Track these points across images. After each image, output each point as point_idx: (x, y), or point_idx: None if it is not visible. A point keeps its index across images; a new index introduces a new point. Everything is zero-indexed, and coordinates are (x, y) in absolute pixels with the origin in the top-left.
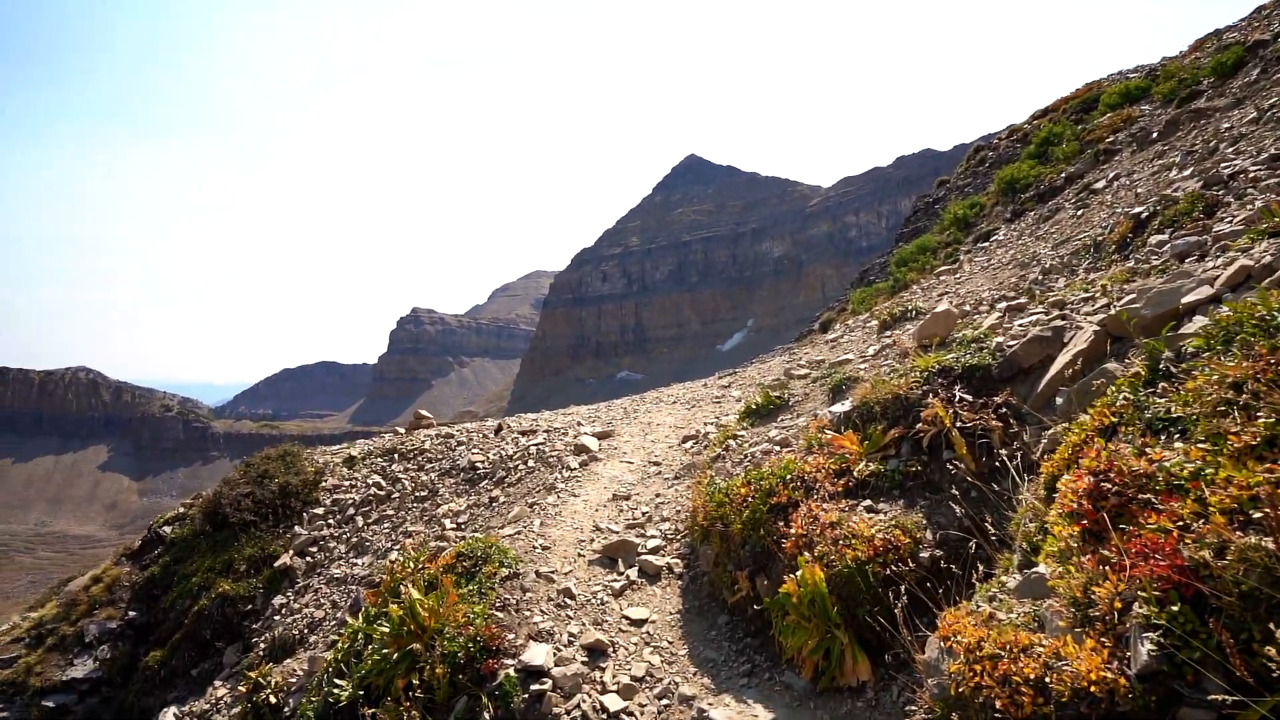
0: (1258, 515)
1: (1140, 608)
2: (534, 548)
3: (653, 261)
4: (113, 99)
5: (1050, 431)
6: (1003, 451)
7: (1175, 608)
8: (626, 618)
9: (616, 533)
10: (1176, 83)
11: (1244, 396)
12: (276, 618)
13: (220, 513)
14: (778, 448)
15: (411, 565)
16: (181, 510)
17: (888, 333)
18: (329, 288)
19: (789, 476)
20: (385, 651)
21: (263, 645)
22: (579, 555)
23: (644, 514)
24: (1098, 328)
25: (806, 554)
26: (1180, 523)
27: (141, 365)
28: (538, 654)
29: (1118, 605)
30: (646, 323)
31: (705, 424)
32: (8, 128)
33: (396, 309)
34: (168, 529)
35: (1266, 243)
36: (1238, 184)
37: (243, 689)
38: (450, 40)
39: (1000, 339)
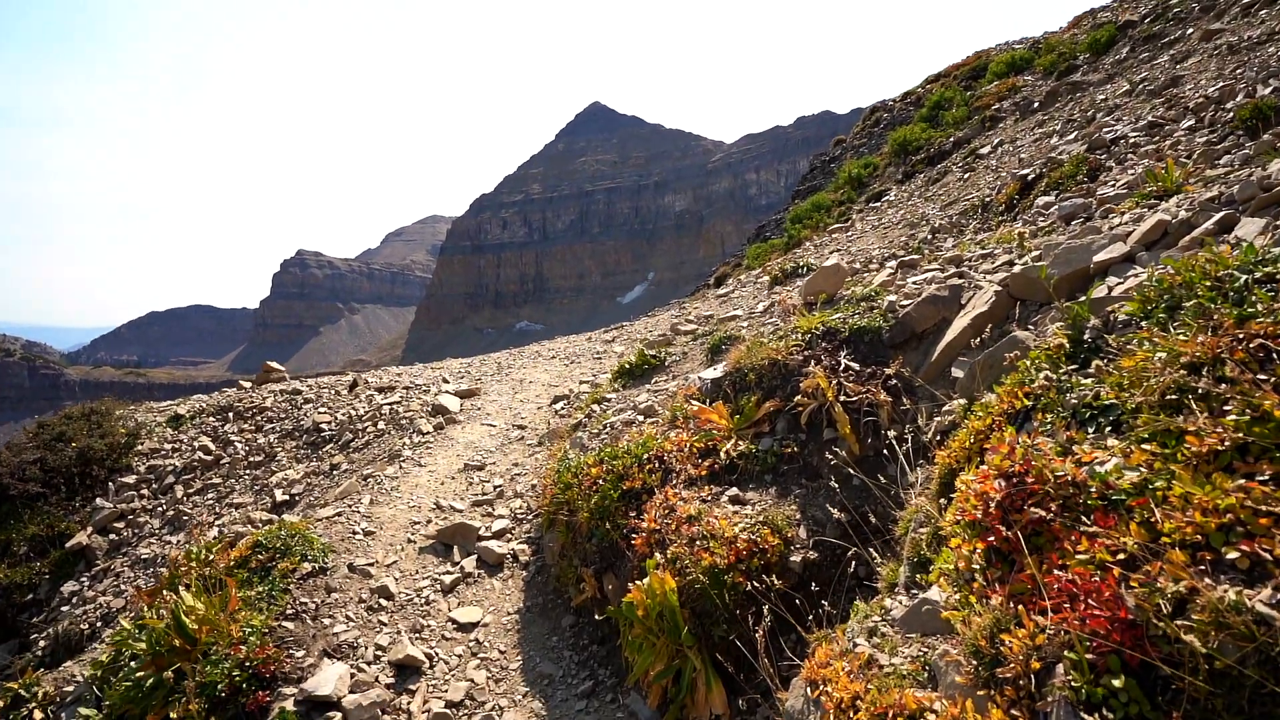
0: (1233, 555)
1: (1067, 673)
2: (354, 533)
3: (554, 210)
4: None
5: (946, 409)
6: (891, 432)
7: (1117, 681)
8: (454, 621)
9: (460, 511)
10: (1056, 56)
11: (1203, 382)
12: (65, 608)
13: (3, 482)
14: (641, 417)
15: (198, 559)
16: None
17: (777, 289)
18: (206, 226)
19: (646, 456)
20: (140, 675)
21: (43, 643)
22: (409, 541)
23: (496, 488)
24: (999, 288)
25: (658, 554)
26: (1121, 555)
27: None
28: (327, 679)
29: (1035, 665)
30: (547, 273)
31: (580, 383)
32: None
33: (281, 251)
34: None
35: (1176, 199)
36: (1119, 149)
37: (1, 702)
38: None
39: (893, 298)
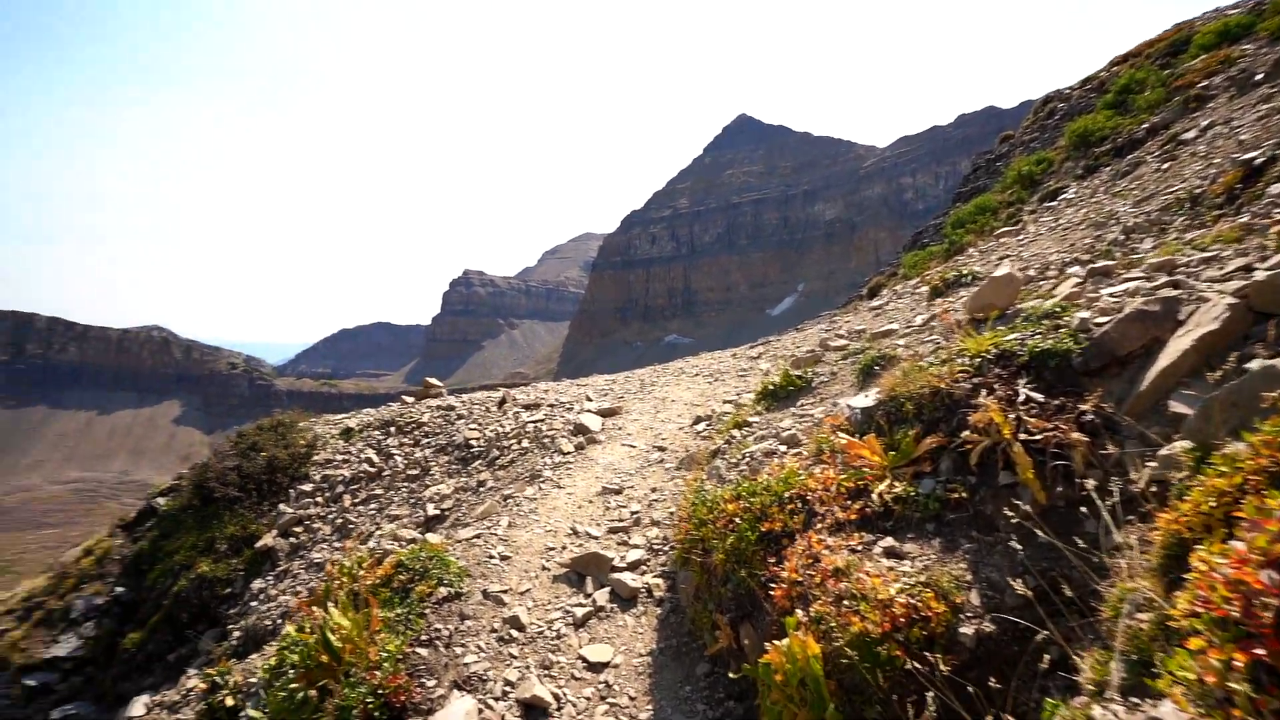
0: None
1: None
2: (490, 557)
3: (702, 224)
4: (164, 57)
5: (1165, 454)
6: (1089, 481)
7: None
8: (584, 659)
9: (595, 538)
10: None
11: None
12: (254, 603)
13: (207, 486)
14: (784, 447)
15: (347, 574)
16: (175, 481)
17: (938, 300)
18: (385, 250)
19: (788, 494)
20: (294, 686)
21: (237, 634)
22: (543, 568)
23: (633, 515)
24: (1234, 299)
25: (800, 612)
26: None
27: (210, 324)
28: (454, 715)
29: None
30: (695, 286)
31: (723, 402)
32: (80, 92)
33: (449, 271)
34: (161, 500)
35: None
36: None
37: (203, 686)
38: None
39: (1085, 314)
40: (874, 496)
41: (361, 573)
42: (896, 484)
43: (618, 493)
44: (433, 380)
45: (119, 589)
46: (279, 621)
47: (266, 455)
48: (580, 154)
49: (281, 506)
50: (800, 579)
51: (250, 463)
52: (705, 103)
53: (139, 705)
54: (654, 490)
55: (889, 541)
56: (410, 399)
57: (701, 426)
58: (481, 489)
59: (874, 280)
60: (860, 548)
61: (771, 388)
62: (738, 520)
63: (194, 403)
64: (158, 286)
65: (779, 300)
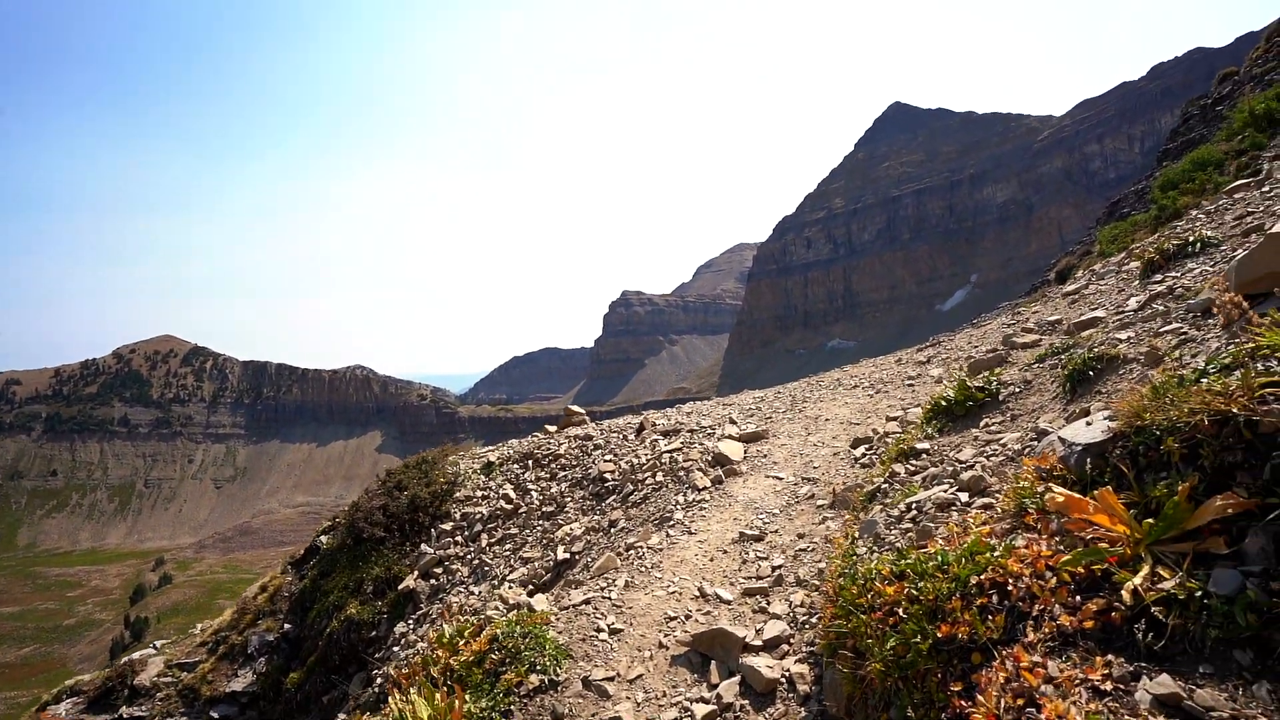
0: None
1: None
2: (598, 630)
3: (859, 222)
4: (339, 119)
5: None
6: None
7: None
8: None
9: (727, 602)
10: None
11: None
12: (395, 648)
13: (357, 526)
14: (964, 495)
15: (447, 646)
16: (334, 520)
17: (1157, 276)
18: (548, 278)
19: (976, 580)
20: None
21: (379, 680)
22: (660, 645)
23: (774, 570)
24: None
25: None
26: None
27: (401, 359)
28: None
29: None
30: (856, 287)
31: (887, 419)
32: (296, 163)
33: (608, 293)
34: (323, 539)
35: None
36: None
37: None
38: (655, 10)
39: None
40: (1124, 594)
41: (461, 643)
42: (1163, 573)
43: (758, 539)
44: (575, 408)
45: (286, 626)
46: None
47: (410, 494)
48: (728, 166)
49: (423, 546)
50: None
51: (395, 502)
52: (853, 97)
53: None
54: (801, 537)
55: (1164, 681)
56: (552, 428)
57: (860, 451)
58: (612, 529)
59: (1063, 261)
60: (1111, 689)
61: (945, 403)
62: (901, 613)
63: (391, 432)
64: (357, 328)
65: (949, 294)
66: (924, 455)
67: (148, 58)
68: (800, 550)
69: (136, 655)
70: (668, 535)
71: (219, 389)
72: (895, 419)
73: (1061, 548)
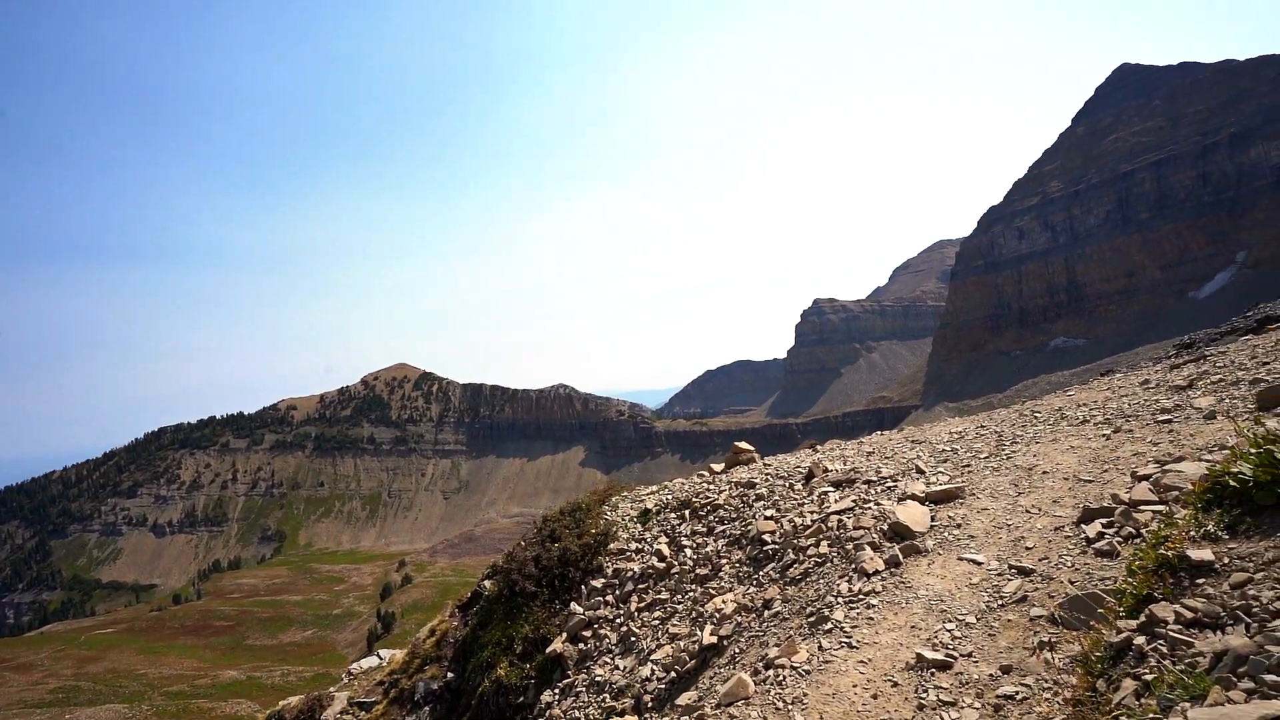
0: None
1: None
2: None
3: (1082, 205)
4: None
5: None
6: None
7: None
8: None
9: None
10: None
11: None
12: None
13: (511, 577)
14: None
15: None
16: (495, 565)
17: None
18: (738, 290)
19: None
20: None
21: None
22: None
23: None
24: None
25: None
26: None
27: (600, 377)
28: None
29: None
30: (1081, 278)
31: (1136, 477)
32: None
33: (799, 303)
34: (486, 584)
35: None
36: None
37: None
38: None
39: None
40: None
41: None
42: None
43: (943, 668)
44: (743, 445)
45: (450, 674)
46: None
47: (560, 545)
48: (922, 160)
49: (573, 605)
50: None
51: (547, 554)
52: (1066, 68)
53: None
54: (1004, 671)
55: None
56: (717, 467)
57: (1096, 530)
58: (766, 612)
59: None
60: None
61: (1245, 482)
62: None
63: (594, 447)
64: (559, 348)
65: (1207, 278)
66: (1204, 580)
67: (385, 124)
68: (1004, 697)
69: (330, 690)
70: (820, 646)
71: (444, 410)
72: (1147, 477)
73: None
